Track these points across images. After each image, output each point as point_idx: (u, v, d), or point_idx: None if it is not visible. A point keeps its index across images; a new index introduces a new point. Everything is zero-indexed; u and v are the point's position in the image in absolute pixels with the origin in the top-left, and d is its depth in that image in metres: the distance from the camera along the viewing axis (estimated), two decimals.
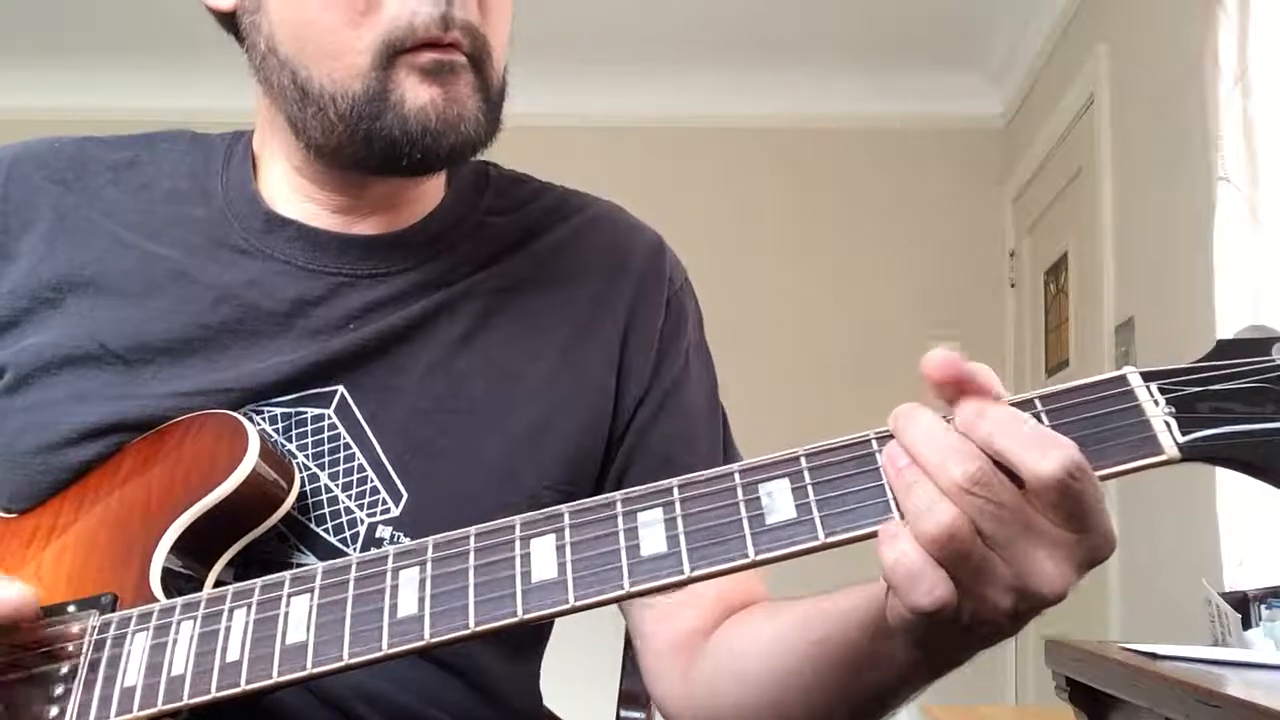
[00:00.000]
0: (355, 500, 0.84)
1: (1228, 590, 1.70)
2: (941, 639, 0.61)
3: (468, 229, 0.93)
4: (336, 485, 0.84)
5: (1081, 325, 3.13)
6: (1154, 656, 1.33)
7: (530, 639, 0.93)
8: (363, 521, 0.83)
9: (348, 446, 0.84)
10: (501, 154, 0.97)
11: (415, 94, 0.80)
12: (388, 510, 0.84)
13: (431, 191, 0.93)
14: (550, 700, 0.98)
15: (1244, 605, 1.55)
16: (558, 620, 0.92)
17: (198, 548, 0.78)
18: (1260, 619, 1.54)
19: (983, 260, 3.90)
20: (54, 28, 3.68)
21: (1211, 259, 2.05)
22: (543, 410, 0.88)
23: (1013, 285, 3.84)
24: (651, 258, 0.96)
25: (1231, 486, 1.94)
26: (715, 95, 3.91)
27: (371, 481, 0.84)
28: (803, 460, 0.61)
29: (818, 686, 0.75)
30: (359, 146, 0.82)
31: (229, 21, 0.90)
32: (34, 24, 3.66)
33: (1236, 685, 1.15)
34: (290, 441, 0.84)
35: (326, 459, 0.84)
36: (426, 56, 0.80)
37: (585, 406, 0.90)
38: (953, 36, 3.68)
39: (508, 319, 0.90)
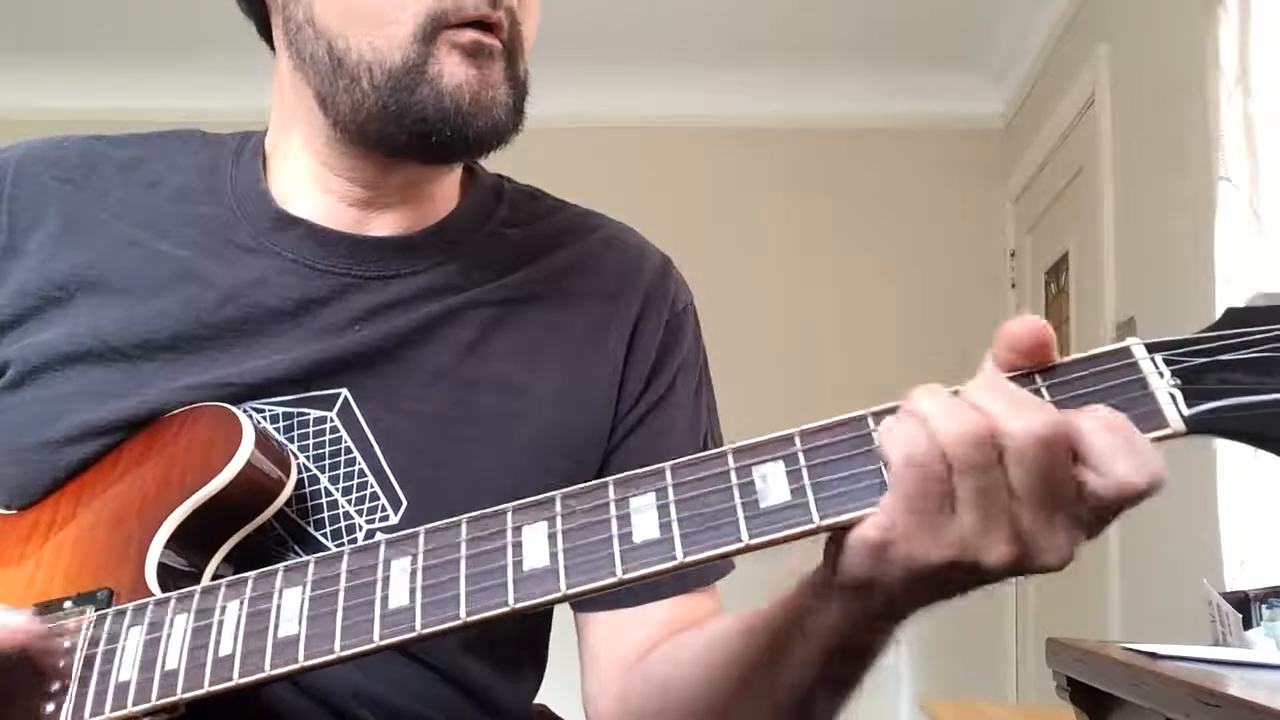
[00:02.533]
0: (354, 505, 0.83)
1: (1229, 590, 1.70)
2: (891, 580, 0.59)
3: (480, 238, 0.92)
4: (336, 489, 0.83)
5: (1082, 325, 3.13)
6: (1155, 656, 1.32)
7: (529, 656, 0.92)
8: (361, 528, 0.83)
9: (348, 450, 0.84)
10: (501, 153, 0.97)
11: (453, 71, 0.80)
12: (386, 517, 0.83)
13: (446, 195, 0.93)
14: (553, 701, 0.98)
15: (1245, 605, 1.55)
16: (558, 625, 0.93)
17: (195, 542, 0.77)
18: (1261, 619, 1.53)
19: (983, 260, 3.90)
20: (54, 28, 3.68)
21: (1212, 258, 2.05)
22: (547, 426, 0.88)
23: (1013, 285, 3.84)
24: (657, 279, 0.96)
25: (1233, 485, 1.94)
26: (715, 95, 3.91)
27: (371, 487, 0.84)
28: (797, 441, 0.60)
29: (739, 681, 0.74)
30: (389, 121, 0.82)
31: (251, 3, 0.90)
32: (34, 24, 3.67)
33: (1237, 685, 1.14)
34: (291, 442, 0.83)
35: (327, 462, 0.84)
36: (469, 36, 0.81)
37: (586, 425, 0.89)
38: (953, 36, 3.68)
39: (516, 331, 0.89)
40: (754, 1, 3.50)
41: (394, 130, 0.82)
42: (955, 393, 0.59)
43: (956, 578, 0.58)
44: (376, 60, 0.81)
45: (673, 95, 3.91)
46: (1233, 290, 1.98)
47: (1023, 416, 0.55)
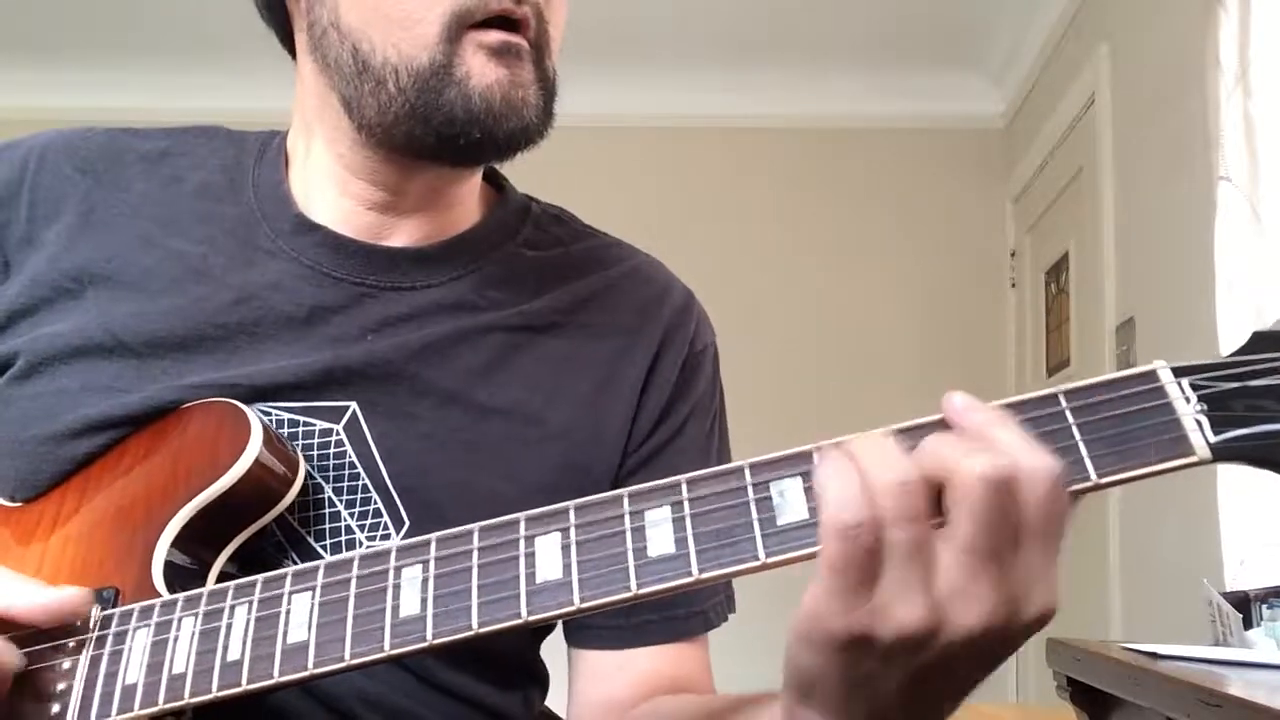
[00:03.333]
0: (357, 520, 0.83)
1: (1229, 590, 1.70)
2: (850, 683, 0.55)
3: (500, 257, 0.91)
4: (340, 501, 0.83)
5: (1082, 325, 3.13)
6: (1155, 656, 1.33)
7: (521, 669, 0.92)
8: (361, 543, 0.82)
9: (352, 465, 0.83)
10: None
11: (482, 72, 0.79)
12: (388, 535, 0.82)
13: (467, 206, 0.92)
14: (556, 701, 0.98)
15: (1245, 605, 1.55)
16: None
17: (201, 540, 0.77)
18: (1261, 619, 1.53)
19: (983, 260, 3.90)
20: (54, 28, 3.68)
21: (1212, 258, 2.05)
22: (557, 459, 0.87)
23: (1013, 285, 3.84)
24: (678, 317, 0.94)
25: (1233, 486, 1.94)
26: (715, 95, 3.91)
27: (375, 503, 0.83)
28: (816, 457, 0.59)
29: None
30: (416, 123, 0.81)
31: (272, 12, 0.90)
32: (34, 24, 3.66)
33: (1238, 685, 1.15)
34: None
35: (331, 474, 0.83)
36: (495, 36, 0.79)
37: (596, 460, 0.88)
38: (953, 36, 3.68)
39: (531, 359, 0.88)
40: (754, 1, 3.50)
41: (421, 132, 0.81)
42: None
43: (875, 664, 0.54)
44: (402, 62, 0.80)
45: (673, 95, 3.91)
46: (1233, 290, 1.98)
47: (972, 457, 0.53)
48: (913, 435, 0.57)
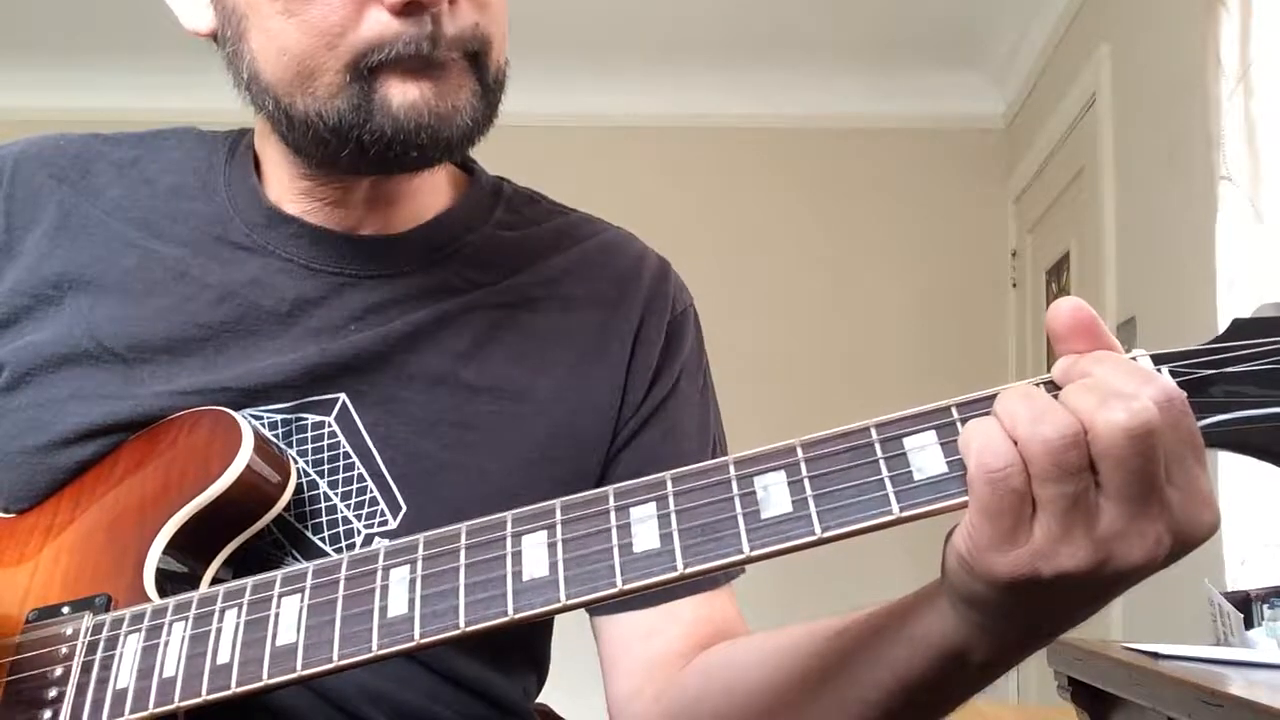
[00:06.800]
0: (354, 510, 0.83)
1: (1230, 589, 1.69)
2: (1015, 601, 0.58)
3: (475, 239, 0.92)
4: (336, 494, 0.83)
5: None
6: (1156, 656, 1.33)
7: (526, 656, 0.92)
8: (360, 532, 0.83)
9: (347, 456, 0.83)
10: (501, 154, 0.96)
11: (403, 92, 0.77)
12: (385, 522, 0.83)
13: (431, 192, 0.92)
14: (555, 700, 0.97)
15: (1246, 604, 1.55)
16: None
17: (193, 547, 0.77)
18: (1263, 618, 1.53)
19: (984, 260, 3.90)
20: (54, 28, 3.68)
21: (1213, 258, 2.05)
22: (547, 431, 0.87)
23: (1014, 285, 3.84)
24: (657, 283, 0.95)
25: (1234, 485, 1.93)
26: (715, 95, 3.91)
27: (371, 492, 0.83)
28: (799, 451, 0.60)
29: (824, 687, 0.72)
30: (351, 152, 0.80)
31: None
32: (34, 24, 3.67)
33: (1239, 685, 1.15)
34: (290, 448, 0.83)
35: (326, 467, 0.83)
36: (406, 63, 0.77)
37: (588, 429, 0.89)
38: (954, 36, 3.68)
39: (514, 335, 0.89)
40: (754, 1, 3.50)
41: (360, 157, 0.80)
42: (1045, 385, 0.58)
43: (1037, 592, 0.56)
44: (323, 109, 0.79)
45: (673, 95, 3.91)
46: (1234, 290, 1.98)
47: (1109, 409, 0.54)
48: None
